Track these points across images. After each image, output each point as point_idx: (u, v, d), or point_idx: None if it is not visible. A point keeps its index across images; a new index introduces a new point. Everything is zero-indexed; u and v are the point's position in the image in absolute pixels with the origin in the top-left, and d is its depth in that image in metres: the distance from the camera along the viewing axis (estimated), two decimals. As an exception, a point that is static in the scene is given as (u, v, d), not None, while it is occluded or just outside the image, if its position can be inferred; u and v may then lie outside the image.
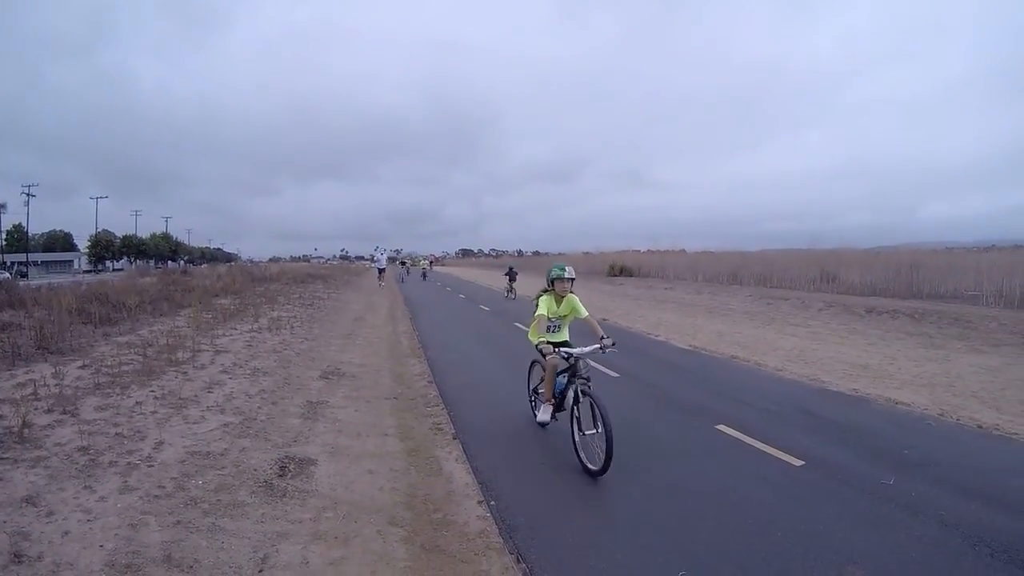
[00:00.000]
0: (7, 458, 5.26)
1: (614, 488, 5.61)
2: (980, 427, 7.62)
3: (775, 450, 6.53)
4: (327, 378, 9.65)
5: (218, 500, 4.86)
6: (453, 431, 7.33)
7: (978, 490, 5.45)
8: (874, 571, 4.05)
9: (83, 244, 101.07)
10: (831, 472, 5.94)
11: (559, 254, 67.56)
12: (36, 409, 6.53)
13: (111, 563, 3.82)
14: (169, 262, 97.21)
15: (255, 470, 5.56)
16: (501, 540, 4.59)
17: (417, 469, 6.03)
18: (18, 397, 6.88)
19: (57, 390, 7.31)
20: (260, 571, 3.92)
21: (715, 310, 22.35)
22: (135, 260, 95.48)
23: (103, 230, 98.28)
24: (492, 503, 5.25)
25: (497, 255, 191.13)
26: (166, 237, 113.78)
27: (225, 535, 4.32)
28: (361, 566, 4.10)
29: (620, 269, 45.30)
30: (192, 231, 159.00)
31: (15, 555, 3.82)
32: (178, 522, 4.42)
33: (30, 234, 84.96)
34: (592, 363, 11.43)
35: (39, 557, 3.83)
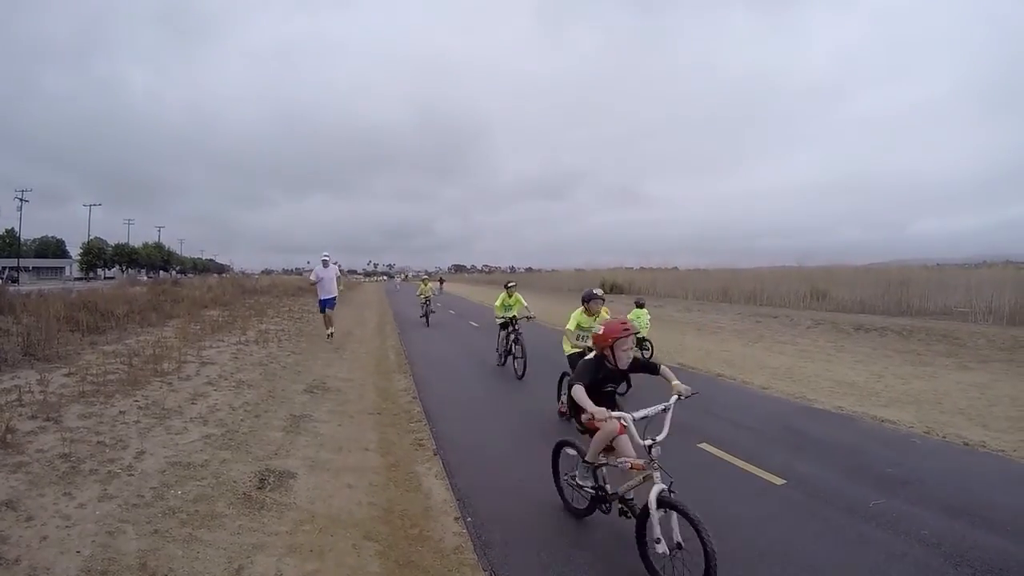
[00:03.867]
0: (-11, 465, 5.28)
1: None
2: (966, 444, 7.65)
3: (757, 469, 6.56)
4: (312, 392, 9.67)
5: (196, 511, 4.88)
6: (434, 447, 7.35)
7: (963, 508, 5.47)
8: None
9: (75, 251, 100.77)
10: (813, 491, 5.98)
11: (552, 271, 67.97)
12: (20, 415, 6.57)
13: (87, 569, 3.85)
14: (161, 272, 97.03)
15: (234, 482, 5.58)
16: (476, 556, 4.62)
17: (396, 484, 6.06)
18: (2, 403, 6.91)
19: (42, 397, 7.34)
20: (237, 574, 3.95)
21: (704, 327, 22.43)
22: (127, 269, 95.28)
23: (95, 237, 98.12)
24: (469, 519, 5.27)
25: (490, 271, 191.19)
26: (159, 247, 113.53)
27: (201, 545, 4.34)
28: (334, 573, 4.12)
29: (611, 286, 45.38)
30: (184, 241, 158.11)
31: None
32: (155, 531, 4.44)
33: (22, 240, 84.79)
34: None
35: (16, 560, 3.85)
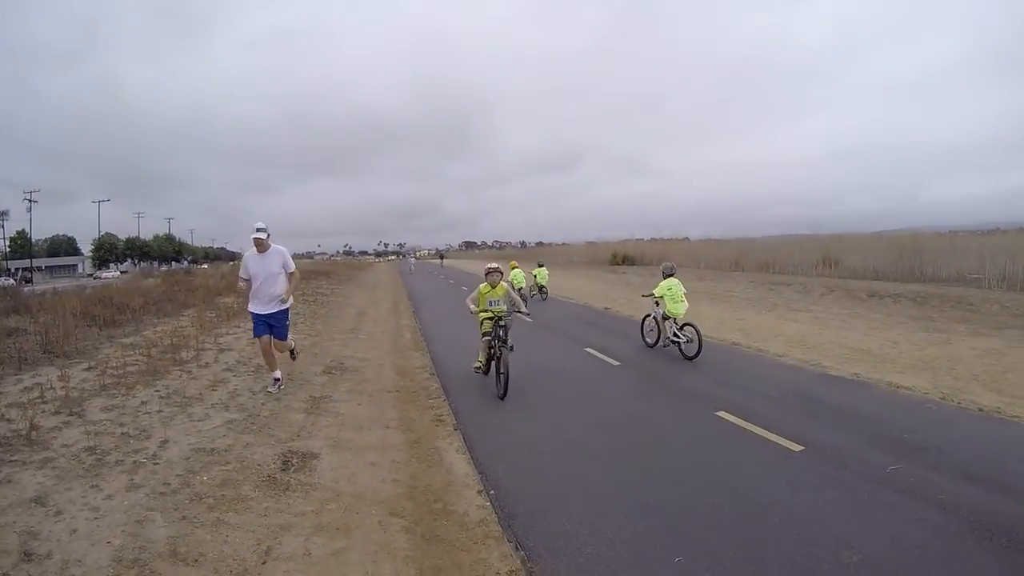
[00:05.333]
0: (16, 460, 5.38)
1: (612, 472, 5.69)
2: (981, 410, 7.62)
3: (775, 436, 6.57)
4: (330, 373, 9.74)
5: (222, 495, 4.94)
6: (454, 422, 7.39)
7: (979, 474, 5.47)
8: (871, 555, 4.09)
9: (86, 248, 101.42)
10: (831, 457, 5.99)
11: (563, 244, 67.80)
12: (43, 412, 6.67)
13: (118, 559, 3.91)
14: (173, 263, 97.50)
15: (259, 465, 5.65)
16: (500, 529, 4.65)
17: (418, 460, 6.10)
18: (25, 401, 7.02)
19: (63, 392, 7.44)
20: (263, 563, 4.00)
21: (717, 296, 22.39)
22: (138, 262, 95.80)
23: (106, 233, 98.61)
24: (492, 492, 5.31)
25: (500, 247, 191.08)
26: (169, 238, 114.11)
27: (229, 529, 4.40)
28: (362, 556, 4.17)
29: (623, 258, 45.45)
30: (195, 231, 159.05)
31: (25, 554, 3.92)
32: (183, 517, 4.51)
33: (33, 240, 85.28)
34: (593, 352, 11.63)
35: (48, 555, 3.92)
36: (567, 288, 28.31)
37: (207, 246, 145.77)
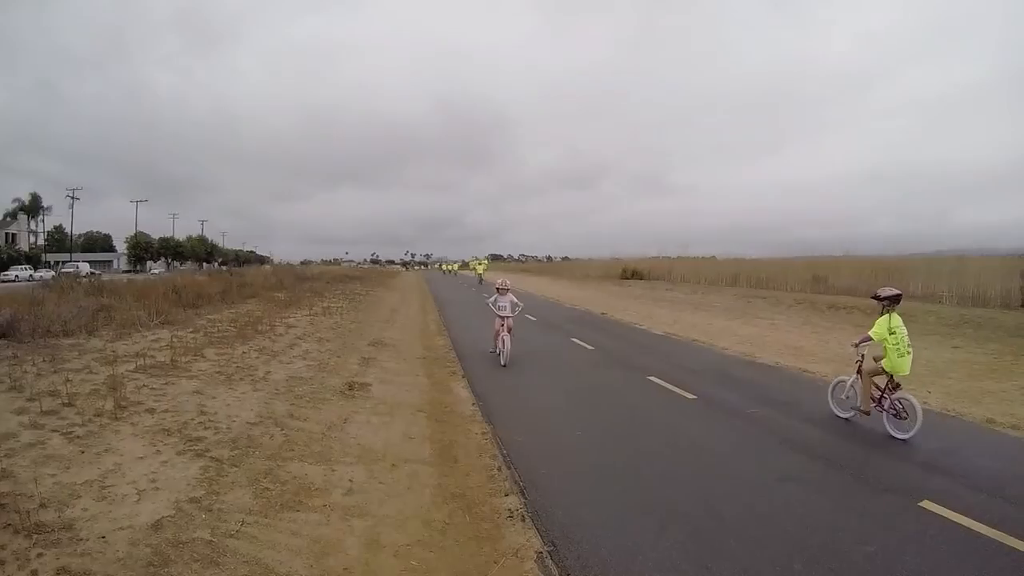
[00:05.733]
0: (172, 375, 8.36)
1: (561, 405, 8.74)
2: None
3: (680, 390, 9.46)
4: (374, 345, 12.88)
5: (314, 396, 8.02)
6: (463, 373, 10.64)
7: (810, 418, 8.08)
8: (713, 449, 6.81)
9: (120, 245, 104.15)
10: (712, 403, 8.85)
11: (589, 259, 70.51)
12: (177, 352, 9.67)
13: (259, 415, 6.91)
14: (204, 264, 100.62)
15: (333, 387, 8.70)
16: (482, 417, 7.80)
17: (436, 390, 9.23)
18: (161, 346, 10.06)
19: (183, 344, 10.47)
20: (344, 422, 7.04)
21: (700, 306, 25.26)
22: (171, 261, 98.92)
23: (140, 232, 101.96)
24: (480, 404, 8.47)
25: (525, 260, 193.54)
26: (202, 240, 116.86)
27: (322, 409, 7.46)
28: (401, 424, 7.23)
29: (632, 273, 48.37)
30: (226, 234, 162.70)
31: (201, 411, 6.88)
32: (292, 403, 7.55)
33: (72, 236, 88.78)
34: (577, 341, 14.71)
35: (215, 413, 6.86)
36: (576, 297, 31.51)
37: (238, 248, 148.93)
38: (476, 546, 4.42)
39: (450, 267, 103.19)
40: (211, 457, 5.43)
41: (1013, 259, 23.02)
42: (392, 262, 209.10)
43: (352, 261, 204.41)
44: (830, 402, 8.47)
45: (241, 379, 8.49)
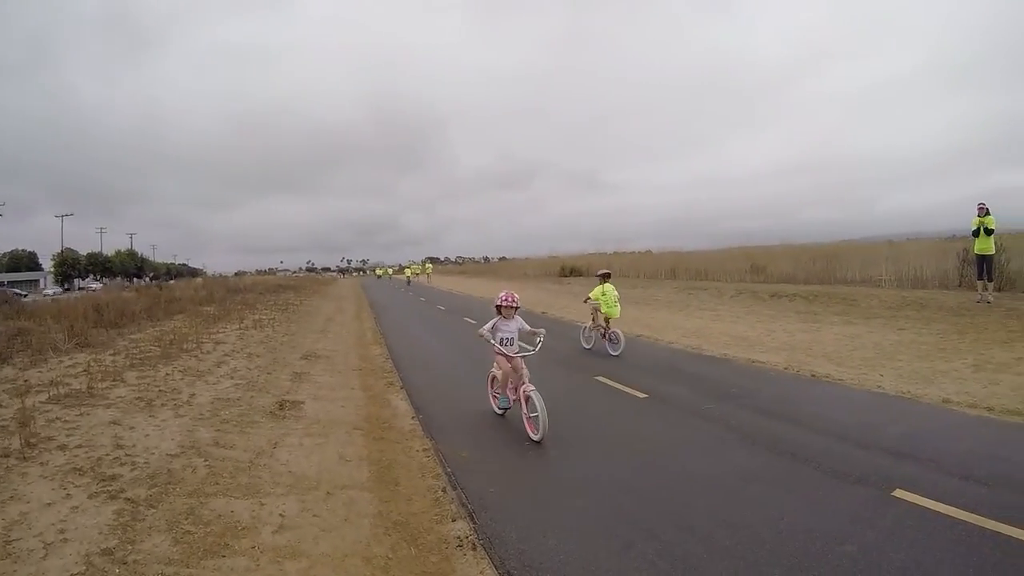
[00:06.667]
0: (87, 404, 7.77)
1: (514, 416, 8.36)
2: (813, 375, 10.12)
3: (631, 389, 9.22)
4: (307, 359, 12.32)
5: (241, 419, 7.52)
6: (401, 383, 10.15)
7: (772, 411, 7.84)
8: (672, 452, 6.54)
9: (47, 263, 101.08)
10: (664, 400, 8.66)
11: (526, 259, 70.43)
12: (93, 379, 9.04)
13: (182, 445, 6.40)
14: (135, 279, 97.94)
15: (262, 407, 8.20)
16: (423, 431, 7.39)
17: (373, 404, 8.78)
18: (77, 372, 9.42)
19: (101, 368, 9.84)
20: (275, 447, 6.58)
21: (641, 301, 25.16)
22: (101, 277, 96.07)
23: (67, 248, 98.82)
24: (420, 417, 8.05)
25: (462, 262, 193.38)
26: (132, 254, 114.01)
27: (250, 434, 6.97)
28: (335, 445, 6.79)
29: (570, 270, 48.34)
30: (156, 247, 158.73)
31: (118, 445, 6.36)
32: (218, 429, 7.04)
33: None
34: (518, 342, 14.35)
35: (134, 445, 6.37)
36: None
37: (169, 262, 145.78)
38: (424, 583, 3.98)
39: (385, 271, 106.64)
40: (126, 498, 4.93)
41: (945, 241, 23.54)
42: (328, 269, 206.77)
43: (287, 270, 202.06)
44: (581, 340, 13.95)
45: (163, 404, 7.93)
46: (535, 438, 6.83)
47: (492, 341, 7.59)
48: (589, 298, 13.51)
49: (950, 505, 4.79)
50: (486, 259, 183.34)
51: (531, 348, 7.77)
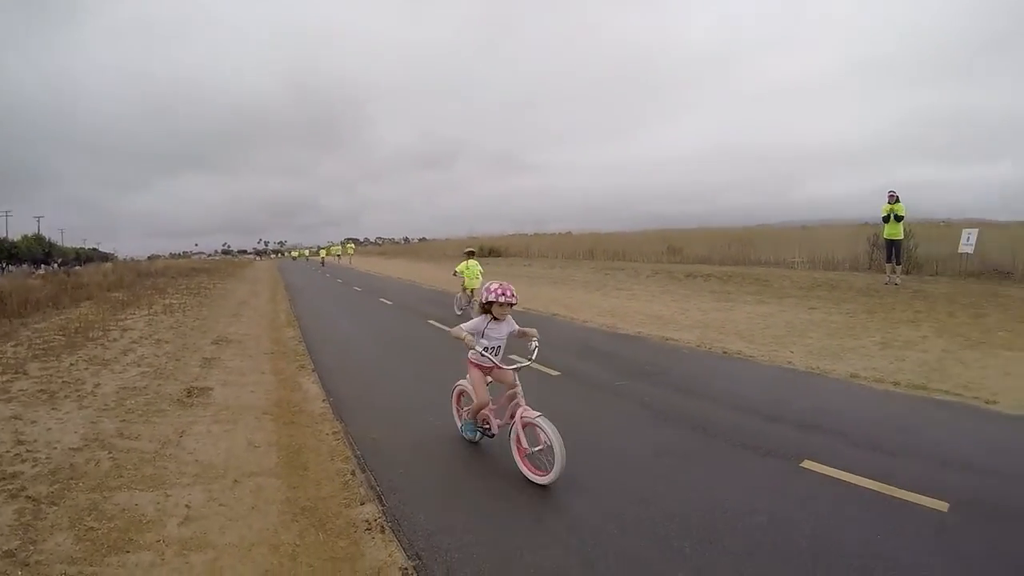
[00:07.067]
0: (-14, 399, 7.60)
1: (416, 384, 8.48)
2: (725, 352, 10.55)
3: (544, 368, 9.34)
4: (217, 344, 12.15)
5: (147, 409, 7.43)
6: (312, 366, 10.14)
7: (682, 387, 8.18)
8: (584, 428, 6.65)
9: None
10: (577, 377, 8.94)
11: (447, 239, 70.37)
12: (-7, 371, 8.82)
13: (85, 438, 6.33)
14: (42, 265, 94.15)
15: (170, 394, 8.12)
16: (333, 414, 7.43)
17: (284, 388, 8.76)
18: (-27, 366, 9.13)
19: (2, 361, 9.55)
20: (181, 435, 6.55)
21: (559, 281, 25.61)
22: (6, 265, 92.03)
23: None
24: (331, 399, 8.08)
25: (381, 243, 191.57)
26: (39, 239, 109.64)
27: (155, 423, 6.92)
28: (244, 431, 6.79)
29: (489, 250, 48.67)
30: (65, 231, 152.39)
31: (18, 441, 6.24)
32: (123, 420, 6.96)
33: None
34: (431, 323, 14.51)
35: (35, 440, 6.26)
36: (434, 278, 31.14)
37: (79, 247, 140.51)
38: (332, 569, 4.04)
39: (301, 253, 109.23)
40: (27, 496, 4.87)
41: (858, 227, 24.54)
42: (245, 252, 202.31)
43: (203, 253, 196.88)
44: (455, 307, 16.31)
45: (66, 396, 7.79)
46: (541, 480, 5.18)
47: (476, 348, 5.75)
48: (456, 271, 16.27)
49: (856, 474, 5.11)
50: (406, 240, 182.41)
51: (523, 360, 6.08)
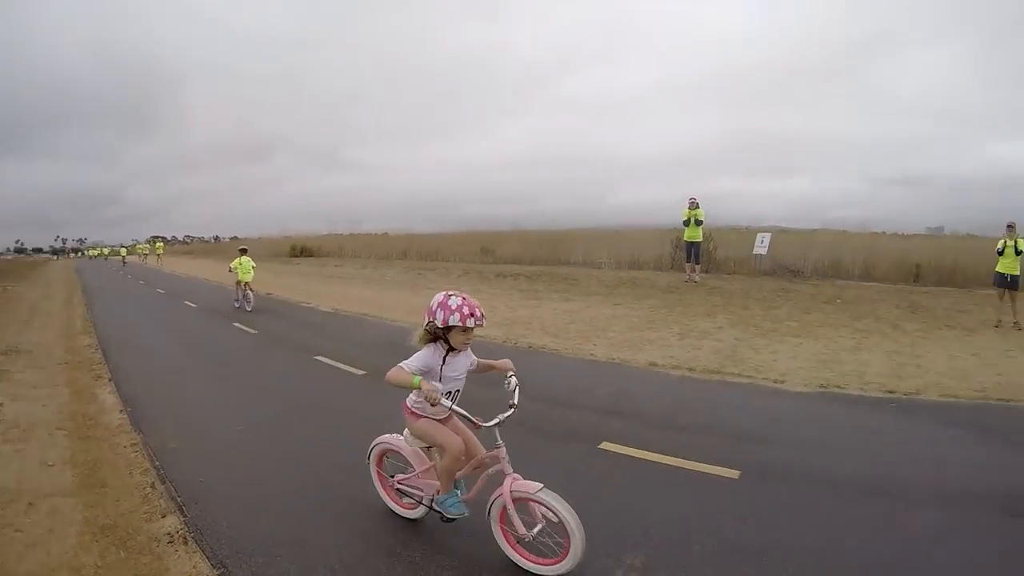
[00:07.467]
0: None
1: (218, 388, 8.77)
2: (530, 347, 11.28)
3: (349, 367, 9.89)
4: (6, 355, 11.60)
5: (-73, 428, 7.18)
6: (109, 376, 10.03)
7: (482, 381, 8.62)
8: (391, 428, 7.27)
9: None
10: (382, 378, 9.27)
11: (259, 238, 68.17)
12: None
13: None
14: None
15: (-51, 414, 7.83)
16: (131, 425, 7.53)
17: (79, 401, 8.65)
18: None
19: None
20: (-33, 456, 6.43)
21: (371, 281, 26.08)
22: None
23: None
24: (129, 411, 8.13)
25: (190, 241, 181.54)
26: None
27: (-63, 443, 6.72)
28: (37, 449, 6.77)
29: (301, 250, 48.29)
30: None
31: None
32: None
33: None
34: (236, 325, 14.58)
35: None
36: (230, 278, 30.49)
37: None
38: (137, 588, 4.15)
39: (101, 252, 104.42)
40: None
41: (666, 232, 26.38)
42: (41, 250, 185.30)
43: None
44: (232, 300, 18.48)
45: None
46: (551, 572, 3.85)
47: (444, 403, 3.96)
48: (231, 267, 18.45)
49: (652, 451, 5.82)
50: (216, 238, 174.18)
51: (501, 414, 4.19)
